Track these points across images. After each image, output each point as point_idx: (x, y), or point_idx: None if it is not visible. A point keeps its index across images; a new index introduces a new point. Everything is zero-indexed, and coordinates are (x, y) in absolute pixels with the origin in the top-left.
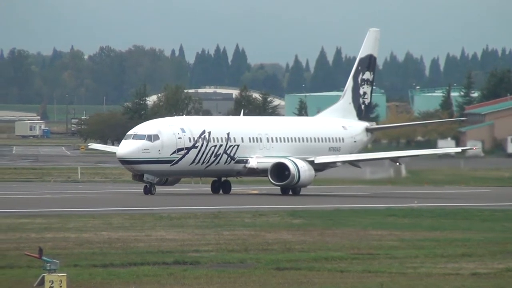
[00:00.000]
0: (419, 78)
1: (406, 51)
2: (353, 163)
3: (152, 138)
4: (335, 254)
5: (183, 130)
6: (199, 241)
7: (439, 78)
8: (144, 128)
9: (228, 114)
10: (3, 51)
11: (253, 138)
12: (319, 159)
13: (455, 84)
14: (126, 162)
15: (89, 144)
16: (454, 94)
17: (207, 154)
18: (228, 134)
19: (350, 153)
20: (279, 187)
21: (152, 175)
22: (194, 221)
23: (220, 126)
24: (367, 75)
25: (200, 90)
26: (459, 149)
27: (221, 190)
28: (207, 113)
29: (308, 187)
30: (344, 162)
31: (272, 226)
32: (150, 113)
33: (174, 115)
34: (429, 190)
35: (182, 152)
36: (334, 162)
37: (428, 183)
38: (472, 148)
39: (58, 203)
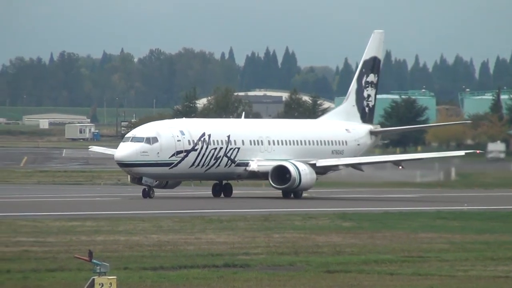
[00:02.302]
0: (469, 81)
1: (456, 54)
2: (355, 166)
3: (150, 140)
4: (385, 257)
5: (182, 133)
6: (249, 244)
7: (489, 81)
8: (143, 130)
9: (278, 116)
10: (53, 54)
11: (254, 141)
12: (321, 162)
13: (504, 87)
14: (124, 165)
15: (89, 147)
16: (503, 96)
17: (207, 157)
18: (228, 136)
19: (354, 156)
20: (280, 191)
21: (151, 178)
22: (244, 224)
23: (220, 129)
24: (371, 78)
25: (250, 93)
26: (462, 153)
27: (222, 194)
28: (257, 116)
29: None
30: (346, 165)
31: (322, 229)
32: (200, 116)
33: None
34: (479, 193)
35: (181, 155)
36: (337, 166)
37: (478, 186)
38: (476, 152)
39: (108, 206)
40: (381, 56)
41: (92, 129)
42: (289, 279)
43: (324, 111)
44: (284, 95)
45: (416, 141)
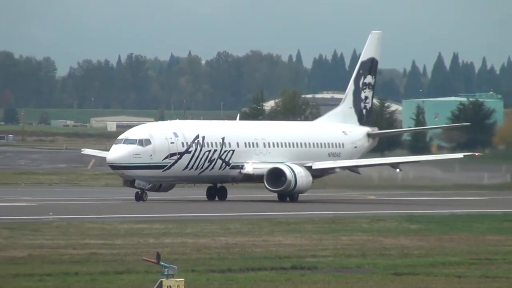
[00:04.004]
0: None
1: None
2: (352, 169)
3: (143, 142)
4: (453, 259)
5: (175, 135)
6: (317, 246)
7: None
8: (136, 132)
9: None
10: (121, 56)
11: (249, 143)
12: (317, 165)
13: None
14: (116, 167)
15: (82, 150)
16: None
17: (201, 159)
18: (223, 139)
19: (351, 159)
20: (275, 194)
21: (144, 181)
22: (311, 226)
23: (215, 131)
24: (369, 79)
25: (317, 95)
26: (461, 155)
27: (216, 197)
28: None
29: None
30: (343, 168)
31: (390, 231)
32: (268, 119)
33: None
34: None
35: (175, 157)
36: (333, 168)
37: None
38: (475, 155)
39: (175, 208)
40: (378, 57)
41: None
42: (357, 281)
43: (392, 113)
44: None
45: (483, 144)
